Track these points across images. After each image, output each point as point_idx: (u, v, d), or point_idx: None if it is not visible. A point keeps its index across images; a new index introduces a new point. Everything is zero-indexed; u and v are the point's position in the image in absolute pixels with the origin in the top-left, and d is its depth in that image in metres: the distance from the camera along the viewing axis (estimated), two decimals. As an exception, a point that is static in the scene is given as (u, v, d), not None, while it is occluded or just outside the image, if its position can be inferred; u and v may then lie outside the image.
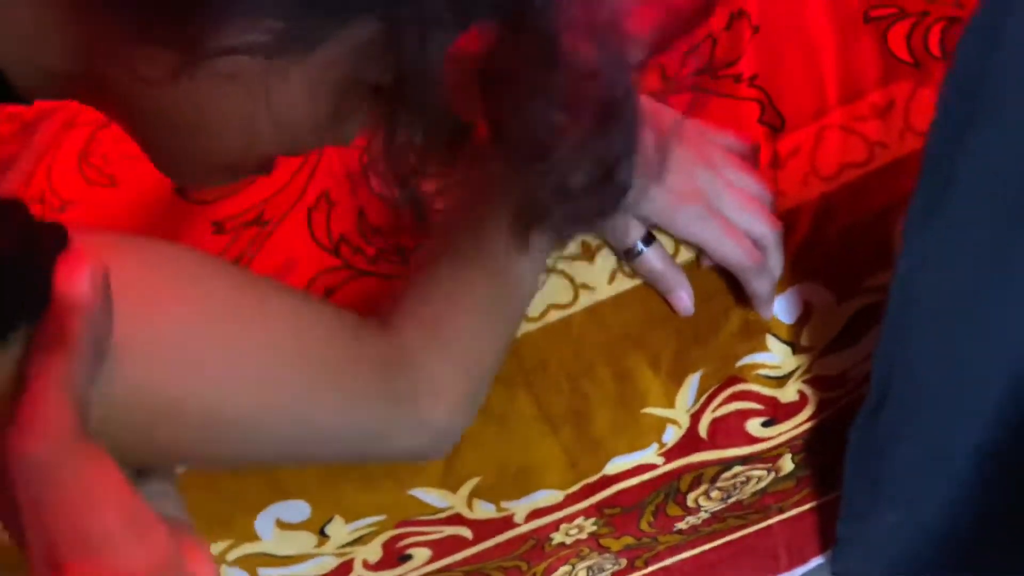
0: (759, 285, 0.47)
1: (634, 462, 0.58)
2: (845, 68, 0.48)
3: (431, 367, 0.40)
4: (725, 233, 0.44)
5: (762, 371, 0.54)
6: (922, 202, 0.34)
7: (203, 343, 0.32)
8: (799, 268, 0.48)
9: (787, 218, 0.47)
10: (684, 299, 0.46)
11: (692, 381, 0.53)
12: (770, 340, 0.52)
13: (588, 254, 0.47)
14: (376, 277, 0.50)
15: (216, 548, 0.51)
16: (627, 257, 0.46)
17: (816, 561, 0.86)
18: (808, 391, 0.57)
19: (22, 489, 0.26)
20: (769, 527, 0.76)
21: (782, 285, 0.49)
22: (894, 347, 0.45)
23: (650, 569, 0.75)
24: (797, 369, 0.54)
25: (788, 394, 0.56)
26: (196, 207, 0.57)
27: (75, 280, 0.27)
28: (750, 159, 0.47)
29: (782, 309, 0.50)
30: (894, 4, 0.49)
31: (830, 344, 0.53)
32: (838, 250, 0.48)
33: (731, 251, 0.44)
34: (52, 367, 0.27)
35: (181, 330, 0.32)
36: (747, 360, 0.53)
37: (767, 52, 0.51)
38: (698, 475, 0.62)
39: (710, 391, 0.54)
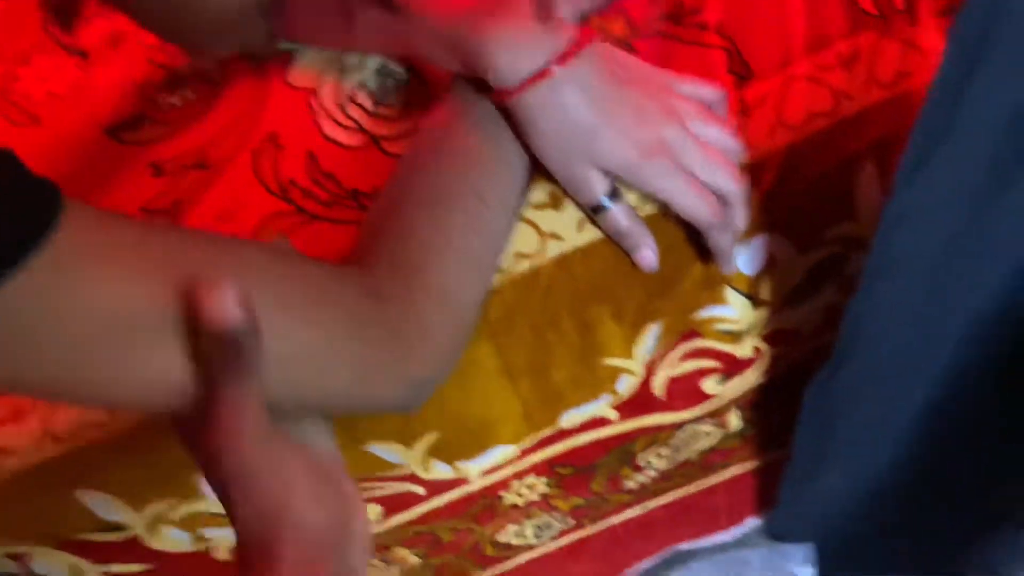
0: (722, 241, 0.46)
1: (588, 414, 0.57)
2: (812, 18, 0.48)
3: (418, 316, 0.39)
4: (690, 188, 0.43)
5: (720, 326, 0.54)
6: (916, 151, 0.34)
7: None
8: (763, 219, 0.48)
9: (753, 168, 0.47)
10: (648, 256, 0.46)
11: (652, 331, 0.52)
12: (729, 293, 0.52)
13: (555, 202, 0.46)
14: (330, 223, 0.48)
15: (158, 507, 0.48)
16: (593, 213, 0.45)
17: (753, 522, 0.88)
18: (762, 346, 0.57)
19: (228, 479, 0.33)
20: (712, 486, 0.77)
21: (746, 236, 0.48)
22: (865, 303, 0.45)
23: (597, 527, 0.75)
24: (755, 324, 0.54)
25: (744, 349, 0.56)
26: (132, 148, 0.53)
27: (228, 312, 0.31)
28: (719, 108, 0.46)
29: (744, 261, 0.50)
30: (863, -47, 0.49)
31: (788, 297, 0.53)
32: (802, 200, 0.48)
33: (695, 207, 0.44)
34: (239, 385, 0.32)
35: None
36: (706, 313, 0.53)
37: (734, 0, 0.50)
38: (653, 438, 0.62)
39: (668, 343, 0.54)
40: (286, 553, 0.33)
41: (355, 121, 0.51)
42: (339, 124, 0.51)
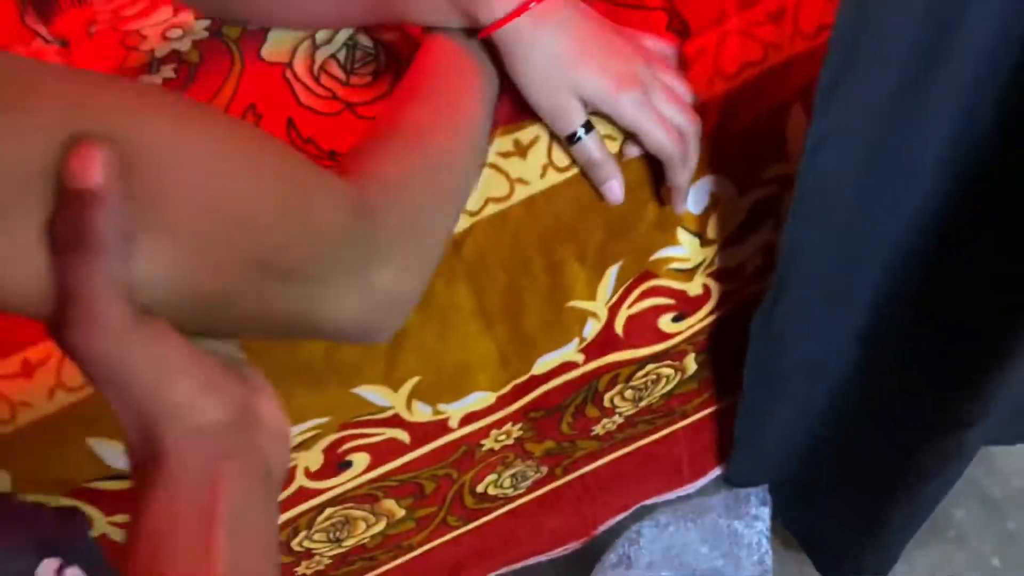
0: (680, 175, 0.50)
1: (558, 359, 0.62)
2: (741, -21, 0.54)
3: (391, 229, 0.39)
4: (659, 121, 0.47)
5: (673, 265, 0.59)
6: (828, 78, 0.40)
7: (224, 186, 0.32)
8: (707, 161, 0.53)
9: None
10: (615, 188, 0.50)
11: (612, 273, 0.57)
12: (681, 233, 0.57)
13: (521, 151, 0.51)
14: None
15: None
16: (568, 143, 0.49)
17: (714, 473, 0.94)
18: (711, 284, 0.62)
19: (100, 381, 0.29)
20: (673, 434, 0.83)
21: (692, 178, 0.54)
22: (797, 227, 0.50)
23: (568, 477, 0.80)
24: (703, 262, 0.60)
25: (695, 287, 0.62)
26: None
27: (89, 171, 0.27)
28: (672, 59, 0.51)
29: (692, 201, 0.55)
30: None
31: (731, 236, 0.59)
32: (740, 144, 0.54)
33: (662, 138, 0.48)
34: (89, 265, 0.27)
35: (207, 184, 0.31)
36: (660, 254, 0.58)
37: (669, -32, 0.56)
38: (615, 375, 0.67)
39: (627, 284, 0.59)
40: (177, 452, 0.29)
41: (329, 90, 0.55)
42: (314, 93, 0.55)
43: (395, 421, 0.59)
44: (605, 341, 0.62)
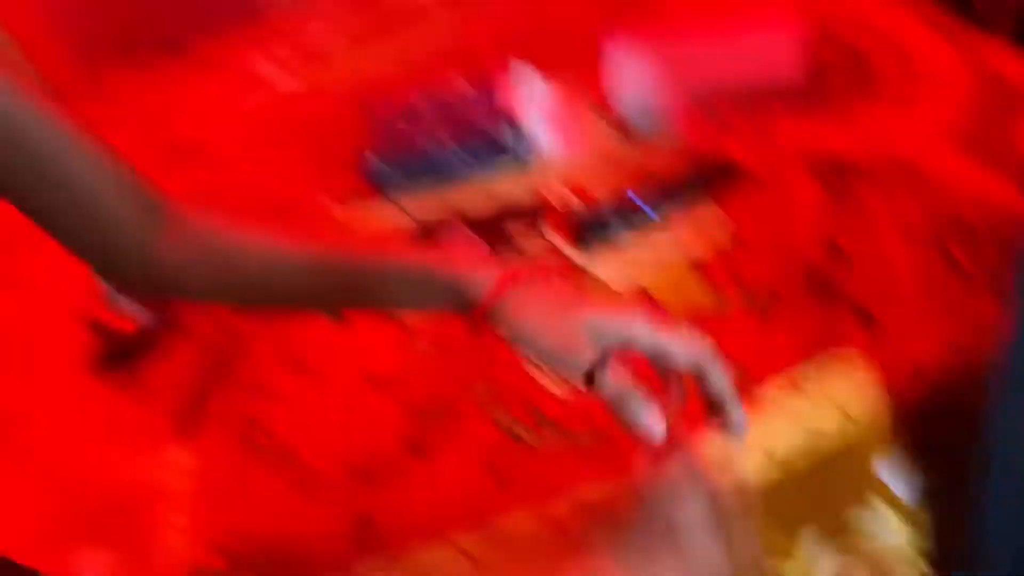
0: (721, 379, 0.44)
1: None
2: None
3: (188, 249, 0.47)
4: (674, 331, 0.44)
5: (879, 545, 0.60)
6: (1003, 383, 0.42)
7: None
8: (908, 451, 0.56)
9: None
10: (650, 421, 0.42)
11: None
12: (890, 517, 0.59)
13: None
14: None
15: None
16: (587, 384, 0.43)
17: None
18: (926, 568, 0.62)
19: None
20: None
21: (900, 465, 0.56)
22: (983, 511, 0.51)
23: None
24: (912, 545, 0.60)
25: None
26: (384, 392, 0.68)
27: None
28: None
29: (902, 488, 0.58)
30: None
31: (942, 522, 0.60)
32: (938, 433, 0.56)
33: (689, 345, 0.44)
34: None
35: None
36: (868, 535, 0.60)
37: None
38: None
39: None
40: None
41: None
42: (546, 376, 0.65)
43: None
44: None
